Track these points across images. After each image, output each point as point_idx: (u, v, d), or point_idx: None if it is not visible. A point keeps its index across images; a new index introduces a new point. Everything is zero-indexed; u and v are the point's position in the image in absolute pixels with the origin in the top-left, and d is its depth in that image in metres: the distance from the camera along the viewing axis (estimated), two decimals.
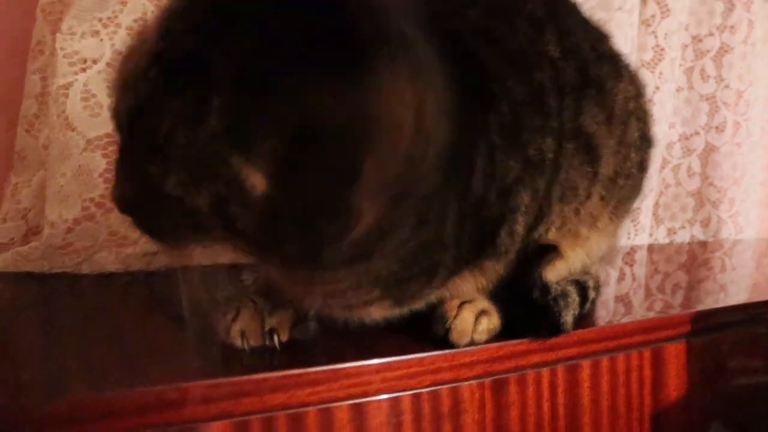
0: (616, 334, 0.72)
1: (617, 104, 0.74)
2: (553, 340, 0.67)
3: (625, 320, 0.75)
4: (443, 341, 0.63)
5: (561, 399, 0.68)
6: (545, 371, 0.67)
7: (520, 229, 0.66)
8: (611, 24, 1.21)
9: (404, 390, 0.60)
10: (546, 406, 0.67)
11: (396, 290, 0.60)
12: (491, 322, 0.66)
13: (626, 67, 0.78)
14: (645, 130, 0.78)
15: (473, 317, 0.64)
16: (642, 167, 0.78)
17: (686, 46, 1.41)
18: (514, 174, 0.64)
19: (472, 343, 0.63)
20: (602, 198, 0.73)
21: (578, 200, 0.71)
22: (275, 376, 0.55)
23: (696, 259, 1.29)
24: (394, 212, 0.53)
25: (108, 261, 0.82)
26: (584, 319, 0.74)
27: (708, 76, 1.42)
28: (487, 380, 0.64)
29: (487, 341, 0.64)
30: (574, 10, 0.78)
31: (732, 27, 1.40)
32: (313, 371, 0.56)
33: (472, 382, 0.63)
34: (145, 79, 0.47)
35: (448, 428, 0.62)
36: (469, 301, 0.66)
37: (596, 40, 0.77)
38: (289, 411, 0.55)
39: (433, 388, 0.61)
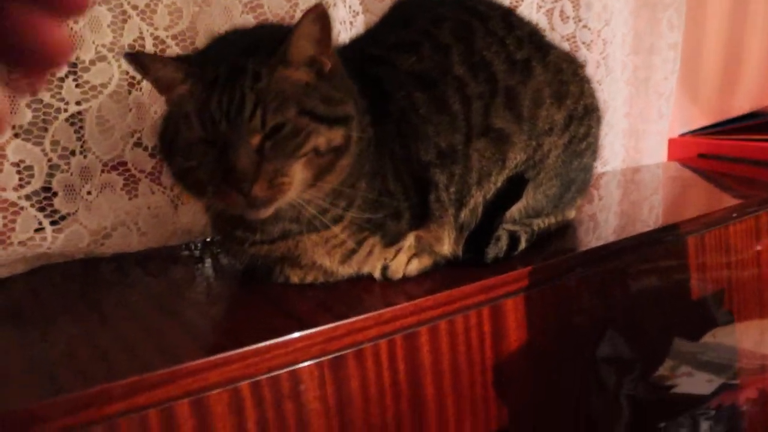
0: (452, 298, 0.77)
1: (526, 102, 0.88)
2: (389, 313, 0.72)
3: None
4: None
5: (401, 366, 0.73)
6: (383, 342, 0.71)
7: (445, 200, 0.84)
8: None
9: (243, 379, 0.63)
10: (386, 374, 0.72)
11: (381, 231, 0.81)
12: (421, 262, 0.83)
13: (543, 58, 0.92)
14: (571, 111, 0.93)
15: (406, 259, 0.83)
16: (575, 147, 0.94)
17: None
18: (429, 158, 0.83)
19: (404, 277, 0.82)
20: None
21: (492, 183, 0.87)
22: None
23: None
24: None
25: None
26: (421, 285, 0.79)
27: (567, 17, 1.46)
28: (326, 359, 0.68)
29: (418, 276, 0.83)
30: (492, 27, 0.91)
31: None
32: (152, 375, 0.59)
33: (310, 363, 0.67)
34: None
35: (290, 408, 0.66)
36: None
37: (515, 47, 0.90)
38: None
39: (272, 374, 0.65)
